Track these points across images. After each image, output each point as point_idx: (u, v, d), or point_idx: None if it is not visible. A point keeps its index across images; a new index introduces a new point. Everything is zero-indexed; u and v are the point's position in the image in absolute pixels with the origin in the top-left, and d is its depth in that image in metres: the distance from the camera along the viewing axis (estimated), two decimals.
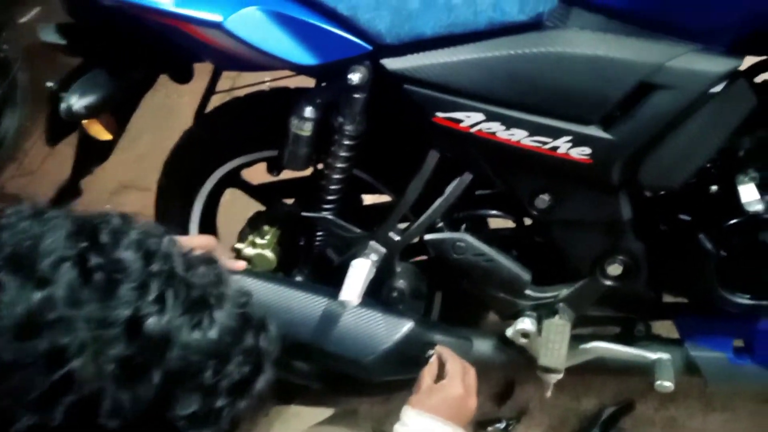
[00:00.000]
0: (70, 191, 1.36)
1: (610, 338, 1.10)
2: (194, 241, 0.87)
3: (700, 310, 1.06)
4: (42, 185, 2.14)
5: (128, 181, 2.13)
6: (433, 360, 0.93)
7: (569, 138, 0.91)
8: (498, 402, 1.45)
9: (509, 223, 1.18)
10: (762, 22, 0.85)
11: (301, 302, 1.06)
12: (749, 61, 0.93)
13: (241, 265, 1.04)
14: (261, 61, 0.96)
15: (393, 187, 1.16)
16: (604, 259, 1.03)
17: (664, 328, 1.13)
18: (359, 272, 1.00)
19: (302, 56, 0.93)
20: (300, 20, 0.92)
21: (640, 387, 1.39)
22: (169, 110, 2.34)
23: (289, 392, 1.54)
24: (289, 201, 1.30)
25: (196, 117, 1.26)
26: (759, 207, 0.90)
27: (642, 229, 1.01)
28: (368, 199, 1.33)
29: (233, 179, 1.29)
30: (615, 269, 1.03)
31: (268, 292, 1.08)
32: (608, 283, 1.05)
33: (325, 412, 1.53)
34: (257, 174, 1.32)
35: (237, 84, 1.38)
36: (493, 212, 1.10)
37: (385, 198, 1.27)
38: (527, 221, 1.12)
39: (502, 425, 1.40)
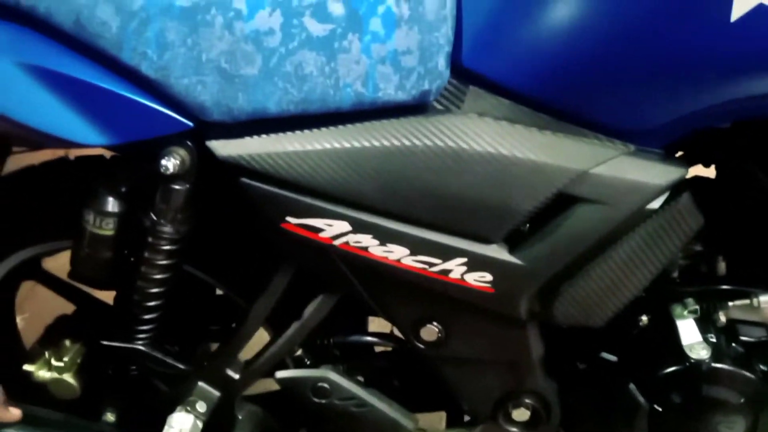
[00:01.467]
0: None
1: None
2: None
3: None
4: None
5: None
6: None
7: (464, 260, 0.67)
8: None
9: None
10: (702, 122, 0.65)
11: None
12: None
13: (15, 414, 0.73)
14: (28, 135, 0.66)
15: (240, 291, 0.88)
16: (508, 402, 0.80)
17: None
18: None
19: (85, 133, 0.64)
20: (82, 82, 0.63)
21: None
22: None
23: None
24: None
25: None
26: (703, 353, 0.70)
27: (555, 366, 0.79)
28: None
29: (30, 270, 0.96)
30: (521, 414, 0.80)
31: None
32: (513, 429, 0.82)
33: None
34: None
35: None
36: (367, 339, 0.84)
37: None
38: None
39: None
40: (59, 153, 0.94)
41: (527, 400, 0.79)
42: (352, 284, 0.74)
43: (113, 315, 0.83)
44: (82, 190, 0.86)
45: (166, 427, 0.72)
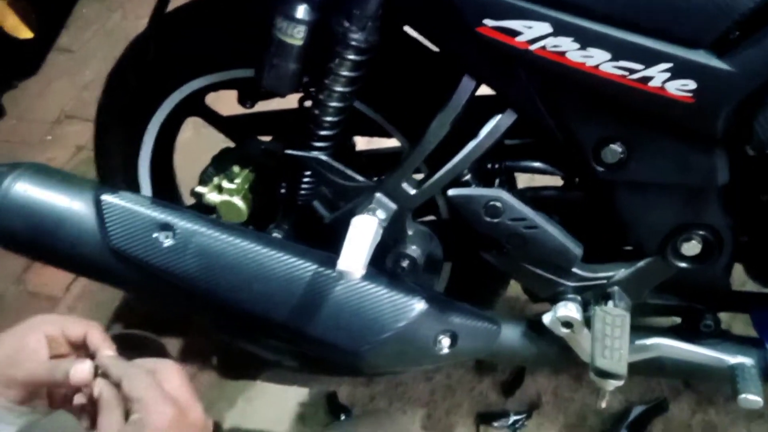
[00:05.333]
0: None
1: (670, 333, 0.87)
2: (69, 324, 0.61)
3: None
4: None
5: (72, 110, 1.83)
6: (103, 393, 0.55)
7: (668, 66, 0.65)
8: (505, 392, 1.23)
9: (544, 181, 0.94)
10: None
11: (281, 269, 0.80)
12: None
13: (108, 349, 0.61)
14: None
15: (404, 126, 0.90)
16: (680, 234, 0.79)
17: (737, 323, 0.91)
18: (364, 234, 0.74)
19: None
20: None
21: (673, 384, 1.18)
22: (125, 34, 2.02)
23: (254, 366, 1.31)
24: (266, 139, 1.03)
25: (151, 21, 0.97)
26: None
27: (733, 199, 0.77)
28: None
29: (195, 106, 1.01)
30: (691, 248, 0.80)
31: (238, 253, 0.81)
32: (680, 264, 0.81)
33: (297, 393, 1.31)
34: (226, 104, 1.04)
35: None
36: (537, 165, 0.84)
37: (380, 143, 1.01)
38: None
39: (509, 420, 1.18)
40: None
41: (701, 233, 0.79)
42: (533, 101, 0.74)
43: (294, 127, 0.85)
44: (255, 19, 0.89)
45: (350, 229, 0.76)
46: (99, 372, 0.57)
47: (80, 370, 0.56)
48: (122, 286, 0.94)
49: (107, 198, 0.82)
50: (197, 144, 1.32)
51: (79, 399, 0.58)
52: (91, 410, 0.56)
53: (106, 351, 0.59)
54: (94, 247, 0.83)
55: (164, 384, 0.55)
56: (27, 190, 0.83)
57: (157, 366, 0.57)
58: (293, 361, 1.24)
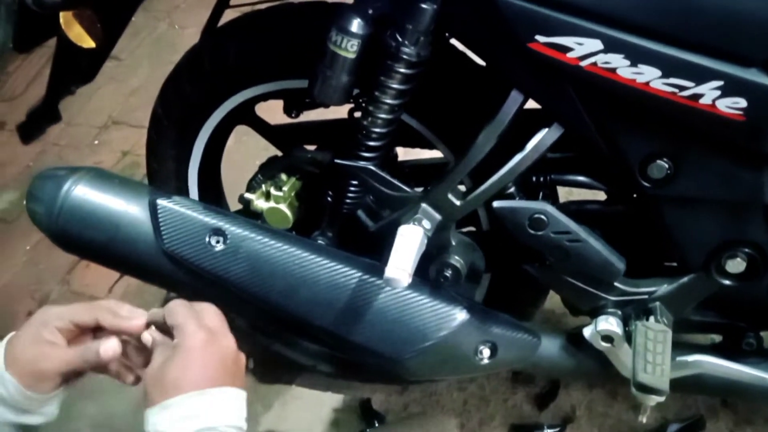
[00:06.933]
0: (45, 114, 1.12)
1: (712, 350, 0.87)
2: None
3: None
4: (24, 112, 1.90)
5: (119, 116, 1.89)
6: (155, 337, 0.64)
7: (719, 84, 0.66)
8: (539, 405, 1.23)
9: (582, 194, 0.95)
10: None
11: (328, 275, 0.82)
12: None
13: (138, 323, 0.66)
14: None
15: (448, 138, 0.92)
16: (725, 251, 0.79)
17: None
18: (411, 242, 0.76)
19: None
20: None
21: (710, 402, 1.17)
22: (171, 42, 2.10)
23: (290, 371, 1.34)
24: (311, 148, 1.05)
25: (204, 33, 1.01)
26: None
27: None
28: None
29: (245, 114, 1.04)
30: (736, 265, 0.80)
31: (286, 259, 0.83)
32: (724, 281, 0.81)
33: (332, 399, 1.33)
34: (273, 115, 1.08)
35: None
36: (581, 179, 0.85)
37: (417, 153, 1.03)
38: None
39: None
40: None
41: (746, 250, 0.79)
42: (581, 116, 0.75)
43: (341, 137, 0.88)
44: (304, 33, 0.92)
45: (397, 237, 0.77)
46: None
47: (109, 348, 0.64)
48: (172, 287, 0.97)
49: (162, 202, 0.85)
50: (238, 152, 1.36)
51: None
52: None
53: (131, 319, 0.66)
54: (148, 250, 0.86)
55: (202, 315, 0.63)
56: (86, 193, 0.87)
57: (196, 305, 0.65)
58: (329, 366, 1.26)
